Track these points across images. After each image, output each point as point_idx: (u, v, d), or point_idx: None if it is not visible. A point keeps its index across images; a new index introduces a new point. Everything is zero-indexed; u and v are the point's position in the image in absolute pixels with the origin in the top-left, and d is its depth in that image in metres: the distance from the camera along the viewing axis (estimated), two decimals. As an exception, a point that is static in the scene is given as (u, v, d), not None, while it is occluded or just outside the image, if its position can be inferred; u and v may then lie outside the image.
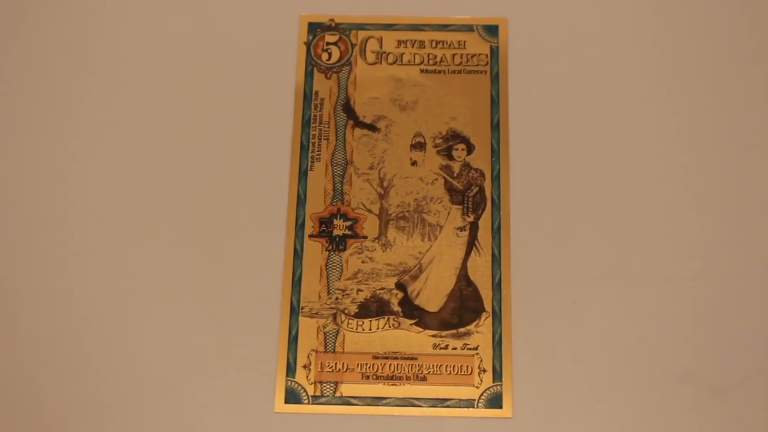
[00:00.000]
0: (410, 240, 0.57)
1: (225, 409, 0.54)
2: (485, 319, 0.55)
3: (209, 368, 0.55)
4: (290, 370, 0.54)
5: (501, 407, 0.53)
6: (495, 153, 0.59)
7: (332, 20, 0.62)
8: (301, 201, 0.58)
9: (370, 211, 0.58)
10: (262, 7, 0.62)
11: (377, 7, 0.62)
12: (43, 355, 0.55)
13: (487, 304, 0.55)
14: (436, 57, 0.61)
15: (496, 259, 0.56)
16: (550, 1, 0.62)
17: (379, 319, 0.55)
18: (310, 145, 0.59)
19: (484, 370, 0.54)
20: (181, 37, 0.62)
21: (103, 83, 0.61)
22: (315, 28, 0.62)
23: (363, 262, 0.56)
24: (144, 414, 0.54)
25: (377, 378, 0.54)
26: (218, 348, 0.55)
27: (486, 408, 0.53)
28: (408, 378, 0.54)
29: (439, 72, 0.60)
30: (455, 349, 0.55)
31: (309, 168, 0.58)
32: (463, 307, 0.55)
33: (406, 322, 0.55)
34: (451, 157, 0.58)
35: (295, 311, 0.55)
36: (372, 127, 0.59)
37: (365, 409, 0.54)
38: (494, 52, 0.61)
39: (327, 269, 0.56)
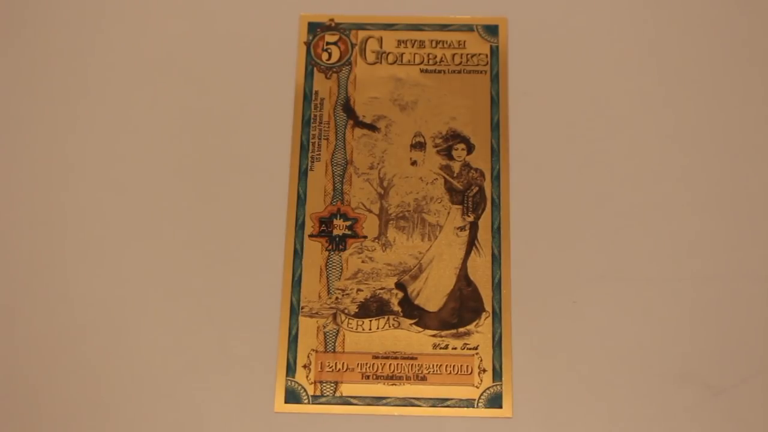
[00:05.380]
0: (410, 240, 0.57)
1: (225, 409, 0.54)
2: (485, 319, 0.55)
3: (209, 368, 0.55)
4: (290, 369, 0.54)
5: (501, 407, 0.53)
6: (495, 153, 0.59)
7: (332, 20, 0.62)
8: (301, 201, 0.58)
9: (370, 211, 0.58)
10: (262, 7, 0.62)
11: (377, 7, 0.62)
12: (42, 355, 0.55)
13: (487, 304, 0.55)
14: (436, 57, 0.61)
15: (496, 259, 0.56)
16: (550, 1, 0.62)
17: (379, 319, 0.55)
18: (310, 145, 0.59)
19: (484, 370, 0.54)
20: (180, 37, 0.62)
21: (101, 83, 0.61)
22: (315, 28, 0.62)
23: (363, 261, 0.56)
24: (144, 414, 0.54)
25: (377, 378, 0.54)
26: (218, 348, 0.55)
27: (486, 408, 0.53)
28: (408, 378, 0.54)
29: (439, 72, 0.60)
30: (455, 348, 0.55)
31: (309, 168, 0.58)
32: (463, 307, 0.55)
33: (406, 321, 0.55)
34: (451, 157, 0.58)
35: (295, 311, 0.55)
36: (372, 127, 0.59)
37: (365, 409, 0.54)
38: (494, 52, 0.61)
39: (327, 269, 0.56)
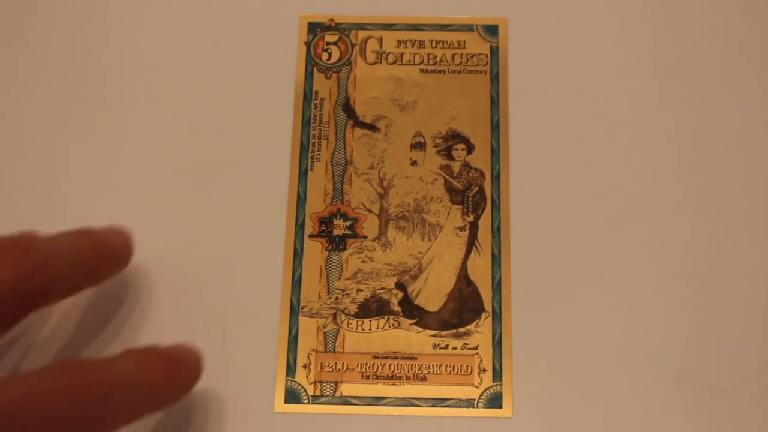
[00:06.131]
0: (410, 240, 0.57)
1: (225, 409, 0.54)
2: (485, 319, 0.55)
3: (209, 368, 0.54)
4: (290, 369, 0.54)
5: (501, 407, 0.53)
6: (495, 153, 0.59)
7: (332, 20, 0.62)
8: (301, 201, 0.58)
9: (370, 211, 0.58)
10: (262, 7, 0.62)
11: (377, 7, 0.62)
12: (43, 355, 0.55)
13: (487, 304, 0.55)
14: (436, 57, 0.61)
15: (496, 259, 0.56)
16: (550, 1, 0.62)
17: (379, 319, 0.55)
18: (310, 145, 0.59)
19: (484, 370, 0.54)
20: (180, 37, 0.62)
21: (100, 84, 0.61)
22: (315, 28, 0.62)
23: (363, 261, 0.56)
24: (144, 414, 0.54)
25: (377, 378, 0.54)
26: (218, 348, 0.55)
27: (486, 408, 0.53)
28: (408, 378, 0.54)
29: (439, 72, 0.60)
30: (455, 348, 0.55)
31: (309, 168, 0.58)
32: (463, 307, 0.56)
33: (406, 321, 0.55)
34: (451, 157, 0.59)
35: (294, 311, 0.55)
36: (372, 127, 0.59)
37: (365, 409, 0.54)
38: (494, 52, 0.61)
39: (327, 269, 0.56)
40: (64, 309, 0.56)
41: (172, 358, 0.49)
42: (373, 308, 0.55)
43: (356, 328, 0.55)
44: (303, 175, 0.58)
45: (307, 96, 0.60)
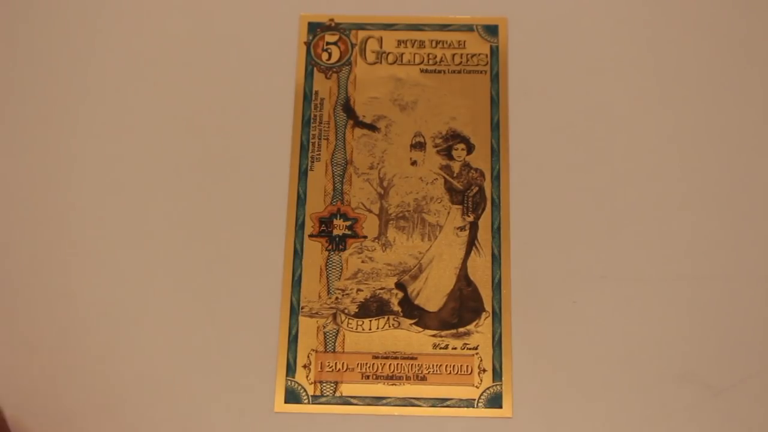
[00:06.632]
0: (410, 240, 0.57)
1: (225, 409, 0.54)
2: (485, 319, 0.55)
3: (209, 368, 0.55)
4: (290, 369, 0.54)
5: (501, 407, 0.53)
6: (495, 153, 0.59)
7: (332, 20, 0.62)
8: (301, 201, 0.58)
9: (370, 210, 0.58)
10: (262, 7, 0.62)
11: (377, 7, 0.62)
12: (42, 355, 0.55)
13: (487, 304, 0.55)
14: (436, 57, 0.61)
15: (496, 259, 0.56)
16: (550, 1, 0.62)
17: (379, 319, 0.55)
18: (310, 145, 0.59)
19: (484, 370, 0.54)
20: (181, 37, 0.62)
21: (101, 84, 0.61)
22: (315, 28, 0.62)
23: (363, 261, 0.56)
24: (144, 414, 0.54)
25: (377, 378, 0.54)
26: (218, 348, 0.55)
27: (486, 408, 0.53)
28: (408, 378, 0.54)
29: (439, 72, 0.60)
30: (455, 348, 0.55)
31: (309, 168, 0.58)
32: (463, 307, 0.56)
33: (406, 321, 0.55)
34: (451, 157, 0.59)
35: (295, 311, 0.55)
36: (372, 127, 0.59)
37: (365, 409, 0.54)
38: (494, 52, 0.61)
39: (327, 269, 0.56)
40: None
41: None
42: (373, 308, 0.56)
43: (356, 328, 0.55)
44: (303, 175, 0.58)
45: (307, 96, 0.60)
